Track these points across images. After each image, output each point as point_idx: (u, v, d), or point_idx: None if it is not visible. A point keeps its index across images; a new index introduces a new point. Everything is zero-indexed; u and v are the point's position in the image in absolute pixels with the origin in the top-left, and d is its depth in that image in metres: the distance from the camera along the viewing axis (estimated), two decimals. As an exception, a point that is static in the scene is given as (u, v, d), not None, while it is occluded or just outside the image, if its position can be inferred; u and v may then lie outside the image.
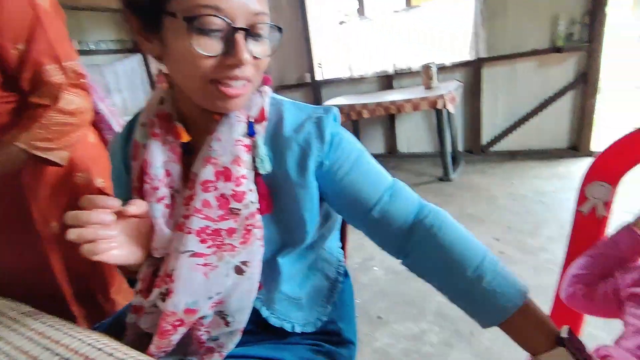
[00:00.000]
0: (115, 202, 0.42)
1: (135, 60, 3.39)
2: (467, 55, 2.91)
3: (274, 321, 0.56)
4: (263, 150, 0.48)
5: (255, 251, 0.48)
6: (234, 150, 0.47)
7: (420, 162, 3.24)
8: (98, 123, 0.93)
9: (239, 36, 0.41)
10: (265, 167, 0.48)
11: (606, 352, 0.47)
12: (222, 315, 0.50)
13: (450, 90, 2.52)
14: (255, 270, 0.49)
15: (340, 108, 2.82)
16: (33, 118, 0.72)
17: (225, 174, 0.46)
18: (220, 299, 0.48)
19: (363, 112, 2.73)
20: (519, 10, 2.67)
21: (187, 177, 0.49)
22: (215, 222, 0.46)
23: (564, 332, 0.42)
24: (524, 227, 1.92)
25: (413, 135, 3.35)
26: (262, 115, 0.50)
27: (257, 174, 0.49)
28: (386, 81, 3.30)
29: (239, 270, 0.48)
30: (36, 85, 0.73)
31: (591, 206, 0.60)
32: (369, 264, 1.83)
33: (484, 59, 2.85)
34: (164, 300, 0.46)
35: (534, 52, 2.70)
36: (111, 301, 0.96)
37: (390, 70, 3.22)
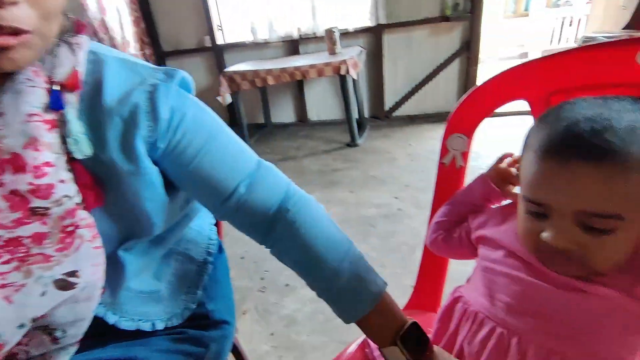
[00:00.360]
0: None
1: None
2: (368, 22, 2.96)
3: (126, 325, 0.48)
4: (77, 126, 0.37)
5: (84, 256, 0.38)
6: (27, 129, 0.34)
7: (330, 129, 3.29)
8: None
9: None
10: (82, 150, 0.37)
11: (459, 293, 0.50)
12: (46, 330, 0.40)
13: (353, 56, 2.55)
14: (90, 278, 0.39)
15: (244, 74, 2.65)
16: None
17: (14, 163, 0.34)
18: (43, 329, 0.38)
19: (268, 79, 2.61)
20: (412, -23, 2.77)
21: None
22: (9, 229, 0.35)
23: (406, 328, 0.45)
24: (419, 184, 2.10)
25: (322, 103, 3.36)
26: (75, 80, 0.38)
27: (72, 159, 0.38)
28: (292, 46, 3.19)
29: (63, 285, 0.38)
30: None
31: (451, 157, 0.64)
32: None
33: (384, 25, 2.93)
34: None
35: (427, 20, 2.86)
36: None
37: (295, 35, 3.12)
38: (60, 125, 0.36)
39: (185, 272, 0.55)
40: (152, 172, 0.42)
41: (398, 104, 3.20)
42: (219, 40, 3.31)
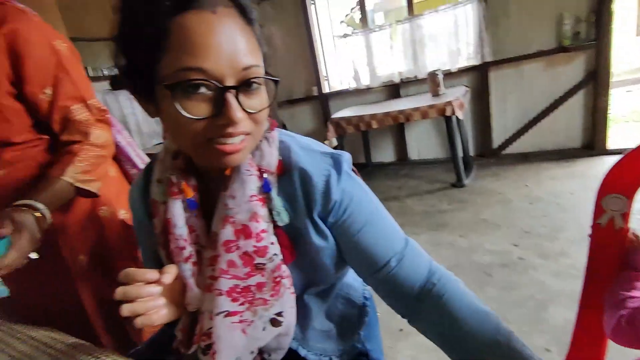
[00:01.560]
0: (154, 275, 0.44)
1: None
2: (472, 60, 2.92)
3: (312, 358, 0.58)
4: (279, 202, 0.48)
5: (286, 300, 0.49)
6: (250, 206, 0.46)
7: (432, 168, 3.23)
8: (117, 155, 0.97)
9: (229, 95, 0.38)
10: (283, 219, 0.48)
11: None
12: (260, 353, 0.53)
13: (458, 97, 2.53)
14: (290, 318, 0.51)
15: (349, 119, 2.85)
16: (72, 153, 0.77)
17: (244, 232, 0.46)
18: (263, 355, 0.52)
19: (372, 123, 2.75)
20: (521, 11, 2.67)
21: (210, 231, 0.50)
22: (243, 279, 0.47)
23: None
24: (542, 230, 1.90)
25: (423, 142, 3.35)
26: (280, 168, 0.49)
27: (275, 226, 0.49)
28: (393, 90, 3.32)
29: (275, 323, 0.49)
30: (66, 125, 0.78)
31: (608, 218, 0.61)
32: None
33: (490, 63, 2.85)
34: (205, 354, 0.47)
35: (540, 53, 2.69)
36: (138, 331, 0.99)
37: (397, 79, 3.25)
38: (267, 201, 0.48)
39: (350, 315, 0.63)
40: (328, 236, 0.50)
41: (509, 141, 3.00)
42: (325, 89, 3.65)
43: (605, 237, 0.61)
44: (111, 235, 0.90)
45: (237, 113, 0.39)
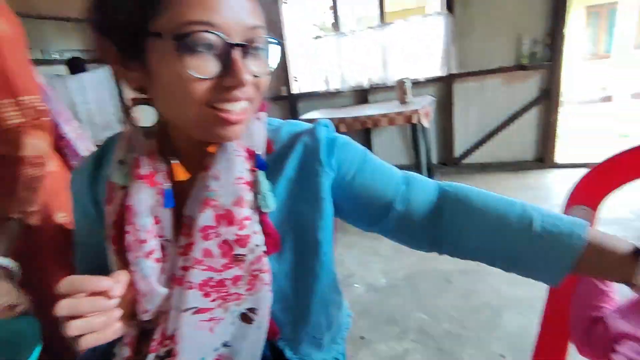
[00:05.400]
0: (105, 283, 0.37)
1: (103, 71, 3.26)
2: (439, 71, 3.01)
3: None
4: (266, 185, 0.44)
5: (262, 298, 0.44)
6: (236, 190, 0.42)
7: (396, 174, 3.28)
8: (63, 149, 0.83)
9: (237, 53, 0.36)
10: (269, 205, 0.44)
11: None
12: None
13: (425, 105, 2.59)
14: (263, 319, 0.45)
15: (317, 122, 2.82)
16: (9, 180, 0.64)
17: (227, 218, 0.41)
18: (227, 353, 0.45)
19: (340, 127, 2.73)
20: (485, 30, 2.81)
21: (179, 221, 0.44)
22: (218, 272, 0.42)
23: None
24: (499, 238, 1.98)
25: (388, 148, 3.40)
26: (270, 147, 0.46)
27: (260, 212, 0.44)
28: (361, 95, 3.34)
29: (245, 318, 0.44)
30: None
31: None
32: (349, 281, 1.81)
33: (455, 75, 2.96)
34: None
35: (501, 69, 2.83)
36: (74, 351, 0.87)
37: (366, 85, 3.28)
38: (255, 185, 0.44)
39: (340, 323, 0.58)
40: (327, 201, 0.46)
41: (469, 151, 3.12)
42: (294, 90, 3.60)
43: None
44: (43, 244, 0.76)
45: (245, 73, 0.37)
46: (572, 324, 0.56)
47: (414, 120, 2.49)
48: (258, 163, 0.45)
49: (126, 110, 0.44)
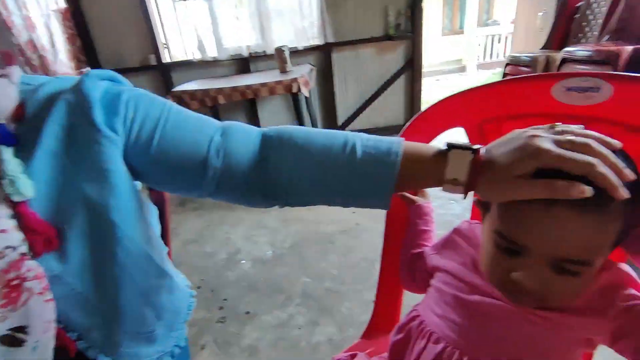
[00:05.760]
0: None
1: None
2: (317, 40, 3.03)
3: None
4: (15, 166, 0.34)
5: (34, 311, 0.35)
6: None
7: (285, 145, 3.29)
8: None
9: None
10: (22, 191, 0.34)
11: (416, 312, 0.52)
12: None
13: (304, 74, 2.59)
14: (43, 336, 0.35)
15: (193, 93, 2.57)
16: None
17: None
18: None
19: (219, 98, 2.55)
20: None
21: None
22: None
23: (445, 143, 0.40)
24: (375, 197, 2.17)
25: (275, 119, 3.35)
26: (20, 112, 0.36)
27: (13, 203, 0.34)
28: (243, 64, 3.17)
29: (10, 342, 0.34)
30: None
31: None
32: (236, 258, 1.76)
33: (332, 44, 3.02)
34: None
35: (372, 39, 3.00)
36: None
37: (245, 53, 3.11)
38: None
39: (179, 307, 0.51)
40: (120, 174, 0.39)
41: (350, 119, 3.30)
42: (165, 59, 3.20)
43: (396, 202, 0.67)
44: None
45: None
46: (400, 263, 0.62)
47: (294, 90, 2.48)
48: (3, 135, 0.34)
49: None
